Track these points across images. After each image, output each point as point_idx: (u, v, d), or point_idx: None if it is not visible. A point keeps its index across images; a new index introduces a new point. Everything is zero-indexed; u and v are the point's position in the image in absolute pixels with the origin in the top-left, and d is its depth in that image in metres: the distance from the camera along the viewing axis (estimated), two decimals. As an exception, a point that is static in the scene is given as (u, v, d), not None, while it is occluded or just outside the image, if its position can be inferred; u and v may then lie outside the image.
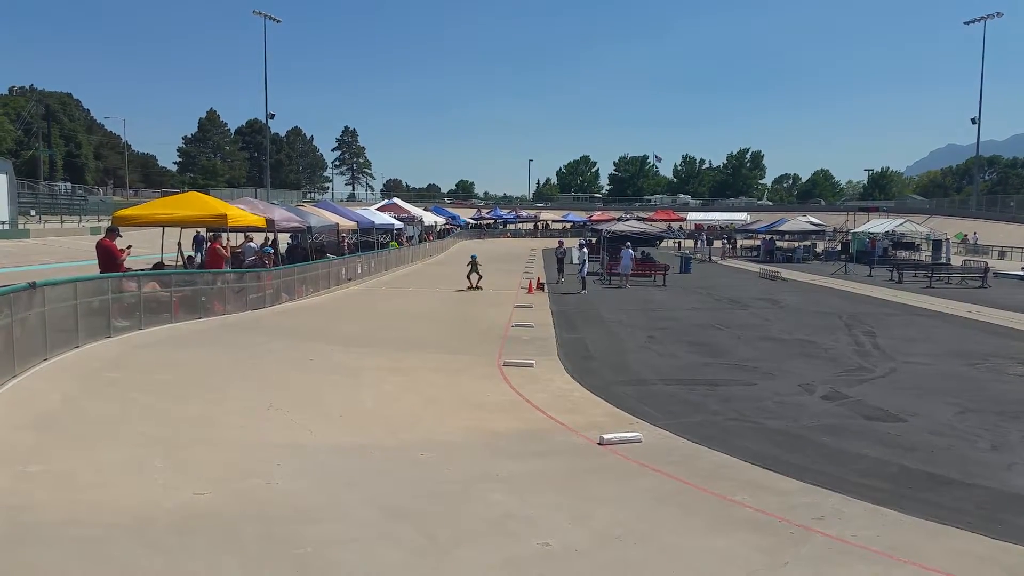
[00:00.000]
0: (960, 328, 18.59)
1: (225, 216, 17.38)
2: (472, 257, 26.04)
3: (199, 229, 20.35)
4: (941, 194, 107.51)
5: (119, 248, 14.54)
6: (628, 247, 29.76)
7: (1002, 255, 50.11)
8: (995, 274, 33.00)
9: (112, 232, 14.87)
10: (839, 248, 47.81)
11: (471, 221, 77.42)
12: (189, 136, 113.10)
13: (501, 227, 79.76)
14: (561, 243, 33.22)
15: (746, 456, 7.96)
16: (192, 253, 21.01)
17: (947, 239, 42.67)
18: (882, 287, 29.22)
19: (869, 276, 33.58)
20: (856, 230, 47.44)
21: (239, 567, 4.88)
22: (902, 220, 45.46)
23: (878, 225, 45.15)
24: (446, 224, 58.27)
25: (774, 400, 10.74)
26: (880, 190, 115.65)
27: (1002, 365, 13.53)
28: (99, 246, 14.58)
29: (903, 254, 42.61)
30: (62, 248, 34.76)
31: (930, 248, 42.41)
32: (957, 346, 15.65)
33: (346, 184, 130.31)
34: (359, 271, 26.43)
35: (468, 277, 25.32)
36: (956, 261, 39.29)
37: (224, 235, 18.34)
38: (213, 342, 12.97)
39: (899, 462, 7.93)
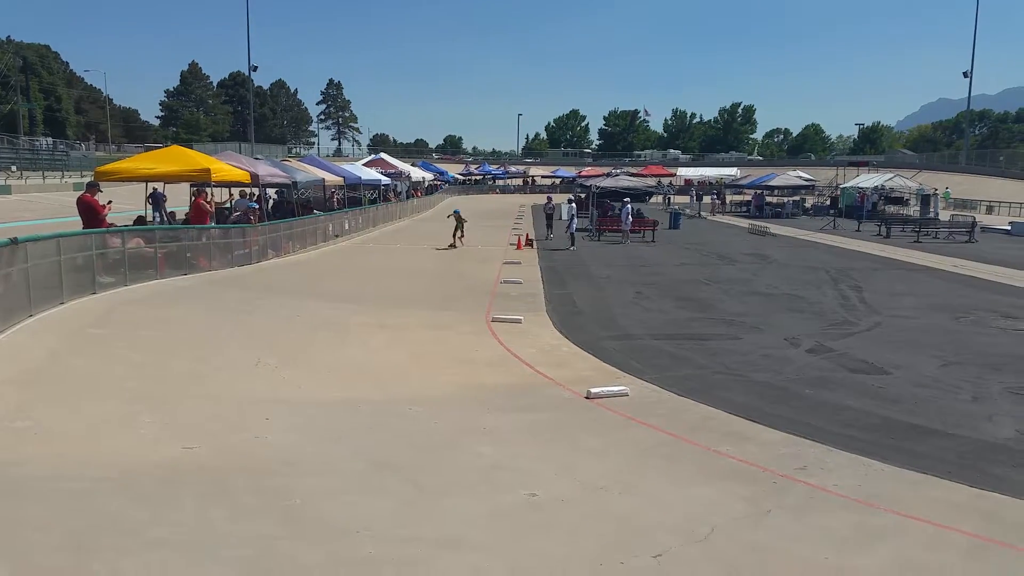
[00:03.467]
0: (946, 282, 18.73)
1: (209, 171, 17.15)
2: (455, 212, 25.50)
3: (155, 186, 19.57)
4: (931, 149, 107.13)
5: (100, 204, 14.33)
6: (627, 203, 29.65)
7: (990, 210, 50.26)
8: (982, 229, 33.14)
9: (93, 187, 14.63)
10: (828, 203, 47.78)
11: (459, 177, 76.75)
12: (171, 89, 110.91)
13: (490, 183, 79.16)
14: (550, 199, 33.05)
15: (731, 408, 8.04)
16: (151, 212, 20.28)
17: (936, 193, 42.66)
18: (870, 242, 29.31)
19: (857, 231, 33.64)
20: (845, 185, 47.38)
21: (228, 519, 4.91)
22: (892, 175, 45.35)
23: (868, 180, 45.05)
24: (434, 180, 57.76)
25: (760, 353, 10.83)
26: (870, 144, 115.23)
27: (986, 318, 13.66)
28: (80, 202, 14.36)
29: (892, 209, 42.62)
30: (45, 204, 34.28)
31: (918, 203, 42.44)
32: (942, 300, 15.78)
33: (332, 139, 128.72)
34: (346, 227, 26.26)
35: (453, 235, 24.85)
36: (944, 216, 39.37)
37: (208, 190, 18.10)
38: (199, 298, 12.90)
39: (882, 413, 8.04)
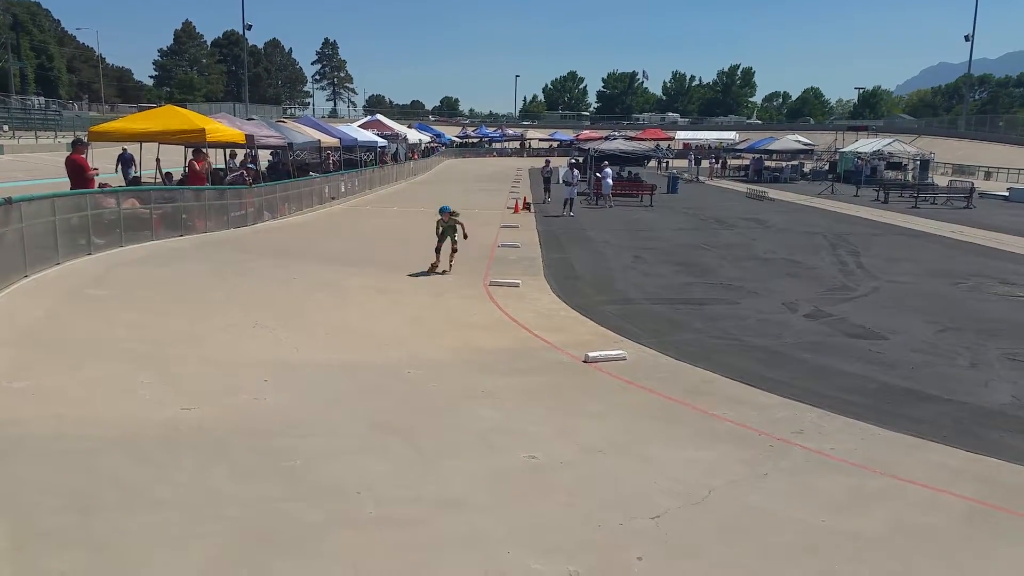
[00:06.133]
0: (943, 248, 18.73)
1: (204, 131, 16.93)
2: (444, 210, 13.94)
3: (124, 146, 19.21)
4: (931, 114, 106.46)
5: (89, 163, 14.09)
6: (606, 166, 29.44)
7: (988, 176, 50.12)
8: (980, 194, 33.08)
9: (80, 145, 14.33)
10: (827, 168, 47.57)
11: (456, 139, 76.10)
12: (165, 49, 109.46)
13: (487, 145, 78.55)
14: (547, 162, 32.78)
15: (728, 372, 8.06)
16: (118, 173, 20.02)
17: (933, 157, 42.46)
18: (868, 207, 29.26)
19: (855, 196, 33.56)
20: (844, 149, 47.11)
21: (229, 479, 4.93)
22: (890, 140, 45.04)
23: (866, 145, 44.76)
24: (431, 142, 57.22)
25: (757, 318, 10.84)
26: (870, 109, 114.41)
27: (983, 284, 13.68)
28: (68, 161, 14.10)
29: (891, 174, 42.46)
30: (38, 164, 33.92)
31: (916, 168, 42.27)
32: (940, 265, 15.79)
33: (327, 100, 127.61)
34: (342, 189, 26.07)
35: (437, 250, 13.67)
36: (942, 181, 39.22)
37: (205, 151, 17.89)
38: (196, 260, 12.84)
39: (879, 378, 8.07)
